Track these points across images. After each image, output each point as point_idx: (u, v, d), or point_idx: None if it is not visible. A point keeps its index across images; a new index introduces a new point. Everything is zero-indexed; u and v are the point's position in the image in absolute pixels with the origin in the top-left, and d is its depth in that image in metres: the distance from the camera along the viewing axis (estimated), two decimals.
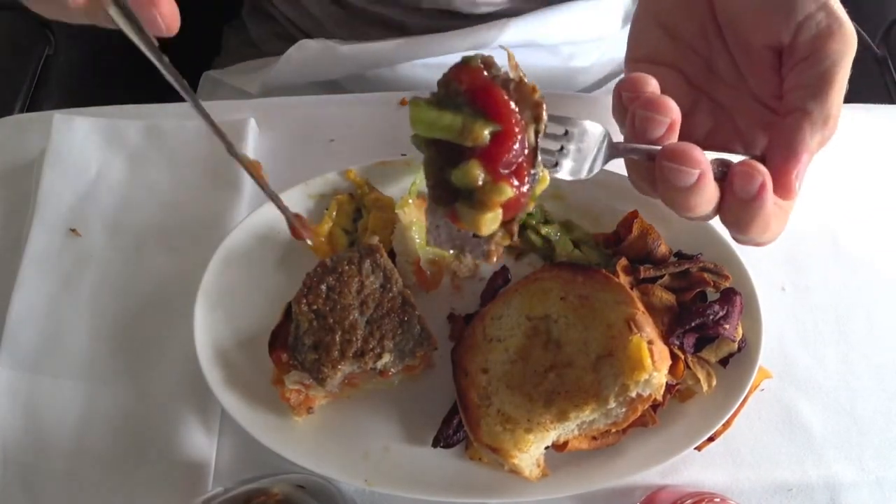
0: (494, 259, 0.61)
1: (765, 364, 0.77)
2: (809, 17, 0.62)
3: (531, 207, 0.60)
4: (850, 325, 0.84)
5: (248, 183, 0.88)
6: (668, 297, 0.77)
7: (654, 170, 0.59)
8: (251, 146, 0.90)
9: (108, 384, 0.79)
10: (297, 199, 0.83)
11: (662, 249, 0.80)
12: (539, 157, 0.57)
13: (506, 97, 0.54)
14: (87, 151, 0.89)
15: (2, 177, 0.91)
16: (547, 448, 0.72)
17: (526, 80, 0.55)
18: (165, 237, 0.86)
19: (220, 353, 0.76)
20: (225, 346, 0.77)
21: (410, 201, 0.80)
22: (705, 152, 0.59)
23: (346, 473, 0.72)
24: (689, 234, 0.81)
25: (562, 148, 0.64)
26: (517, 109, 0.54)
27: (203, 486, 0.75)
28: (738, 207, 0.60)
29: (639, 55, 0.75)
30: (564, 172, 0.64)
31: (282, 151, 0.92)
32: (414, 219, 0.78)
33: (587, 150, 0.64)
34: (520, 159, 0.55)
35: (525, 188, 0.56)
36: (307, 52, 0.99)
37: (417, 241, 0.78)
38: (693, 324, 0.74)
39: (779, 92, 0.66)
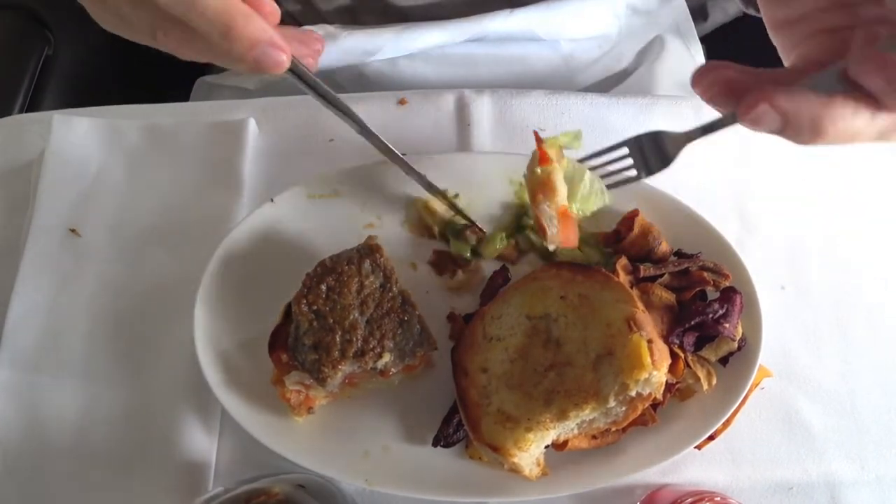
0: None
1: (765, 363, 0.77)
2: None
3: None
4: (850, 324, 0.84)
5: (247, 183, 0.88)
6: (667, 296, 0.77)
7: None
8: (251, 146, 0.90)
9: (108, 384, 0.79)
10: (297, 199, 0.83)
11: (663, 248, 0.80)
12: None
13: None
14: (86, 152, 0.89)
15: (2, 177, 0.91)
16: (547, 447, 0.72)
17: None
18: (165, 237, 0.86)
19: (220, 353, 0.76)
20: (225, 346, 0.77)
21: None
22: None
23: (347, 473, 0.72)
24: (689, 233, 0.81)
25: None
26: None
27: (203, 486, 0.75)
28: None
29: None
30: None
31: (282, 151, 0.92)
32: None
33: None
34: None
35: None
36: None
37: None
38: (693, 322, 0.74)
39: None
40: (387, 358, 0.71)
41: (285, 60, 0.61)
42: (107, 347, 0.81)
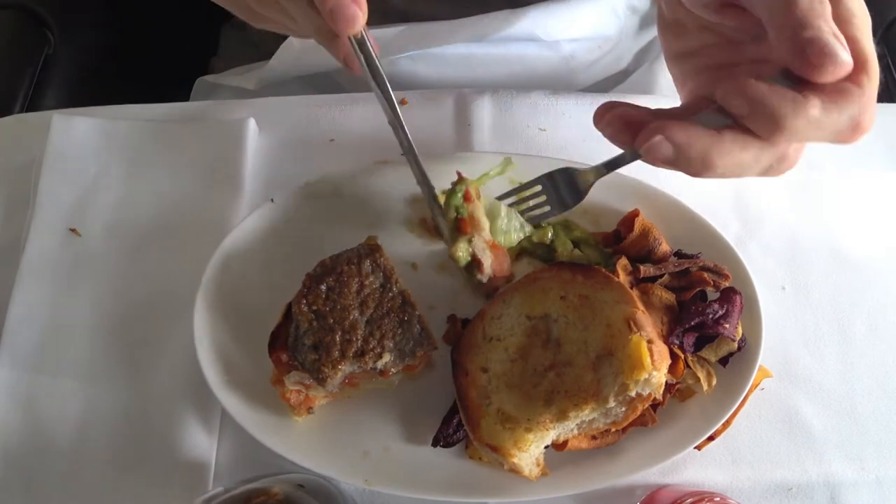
0: None
1: (765, 363, 0.77)
2: None
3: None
4: (850, 325, 0.84)
5: (247, 183, 0.89)
6: (667, 297, 0.77)
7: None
8: (251, 146, 0.90)
9: (108, 384, 0.79)
10: (297, 199, 0.83)
11: (663, 248, 0.80)
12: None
13: None
14: (86, 151, 0.89)
15: (2, 177, 0.91)
16: (546, 447, 0.72)
17: None
18: (165, 237, 0.86)
19: (220, 353, 0.76)
20: (225, 346, 0.77)
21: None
22: None
23: (346, 473, 0.72)
24: (690, 233, 0.81)
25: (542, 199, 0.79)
26: None
27: (203, 486, 0.75)
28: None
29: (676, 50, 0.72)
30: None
31: (282, 151, 0.92)
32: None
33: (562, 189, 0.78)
34: None
35: None
36: (308, 41, 0.99)
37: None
38: (693, 323, 0.74)
39: None
40: (387, 358, 0.71)
41: (360, 17, 0.62)
42: (107, 347, 0.81)
